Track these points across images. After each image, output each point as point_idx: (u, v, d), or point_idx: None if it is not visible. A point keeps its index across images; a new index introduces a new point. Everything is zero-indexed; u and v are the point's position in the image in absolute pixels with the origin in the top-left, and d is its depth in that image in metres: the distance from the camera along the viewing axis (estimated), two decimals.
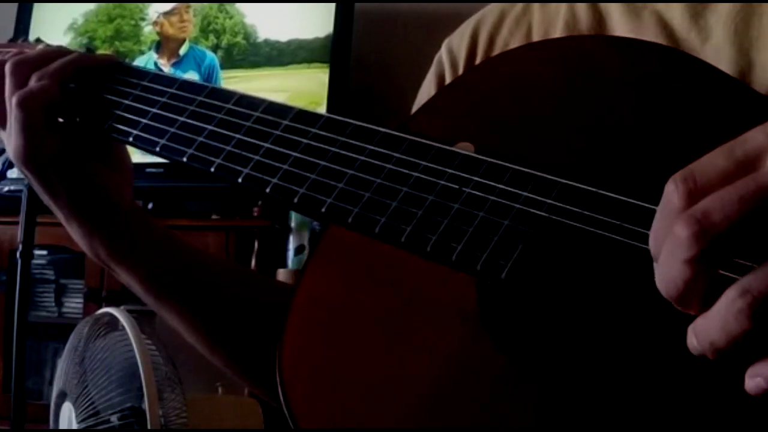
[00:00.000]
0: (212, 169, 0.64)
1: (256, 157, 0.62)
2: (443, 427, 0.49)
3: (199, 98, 0.68)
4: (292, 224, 2.44)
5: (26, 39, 0.86)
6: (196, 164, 0.65)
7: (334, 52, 2.48)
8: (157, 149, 0.68)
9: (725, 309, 0.37)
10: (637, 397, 0.46)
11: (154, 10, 2.73)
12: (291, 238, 2.44)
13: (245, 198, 2.46)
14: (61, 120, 0.73)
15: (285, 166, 0.61)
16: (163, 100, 0.70)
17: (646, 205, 0.47)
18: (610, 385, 0.47)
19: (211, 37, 2.66)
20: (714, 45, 0.63)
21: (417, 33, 2.48)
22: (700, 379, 0.45)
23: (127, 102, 0.71)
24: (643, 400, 0.46)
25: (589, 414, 0.47)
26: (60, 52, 0.76)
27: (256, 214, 2.46)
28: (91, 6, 2.78)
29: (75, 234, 0.76)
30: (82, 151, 0.74)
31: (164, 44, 2.72)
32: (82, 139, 0.74)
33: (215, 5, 2.66)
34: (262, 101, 0.66)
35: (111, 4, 2.76)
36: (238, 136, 0.64)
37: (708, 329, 0.38)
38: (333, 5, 2.50)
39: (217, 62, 2.63)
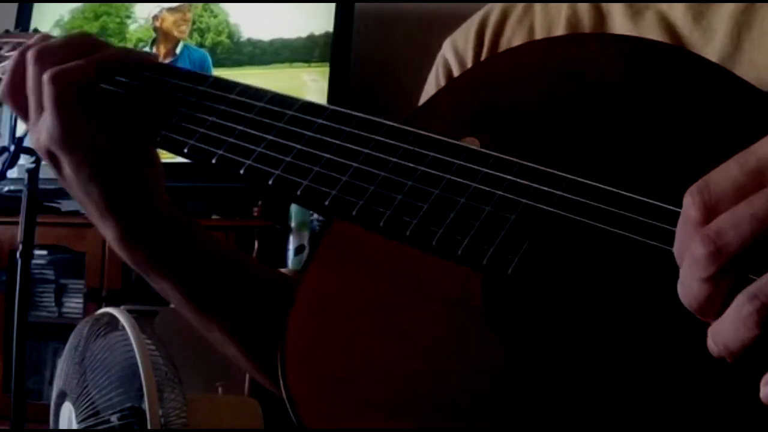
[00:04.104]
0: (213, 161, 0.62)
1: (259, 149, 0.61)
2: (445, 422, 0.49)
3: (201, 88, 0.67)
4: (292, 224, 2.44)
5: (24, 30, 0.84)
6: (198, 156, 0.64)
7: (334, 51, 2.48)
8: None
9: (735, 315, 0.38)
10: (640, 396, 0.46)
11: (156, 5, 2.72)
12: (291, 238, 2.44)
13: (245, 198, 2.46)
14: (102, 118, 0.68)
15: (288, 158, 0.59)
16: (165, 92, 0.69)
17: (651, 201, 0.47)
18: (614, 383, 0.47)
19: (196, 35, 2.66)
20: (716, 45, 0.63)
21: (417, 33, 2.48)
22: (706, 376, 0.45)
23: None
24: (646, 399, 0.46)
25: (591, 412, 0.47)
26: (85, 40, 0.71)
27: (256, 214, 2.46)
28: (80, 3, 2.78)
29: (109, 235, 0.71)
30: (121, 140, 0.69)
31: (161, 40, 2.71)
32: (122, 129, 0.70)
33: (200, 4, 2.66)
34: (265, 92, 0.64)
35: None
36: (240, 127, 0.63)
37: (721, 334, 0.39)
38: (333, 5, 2.50)
39: (210, 60, 2.64)
